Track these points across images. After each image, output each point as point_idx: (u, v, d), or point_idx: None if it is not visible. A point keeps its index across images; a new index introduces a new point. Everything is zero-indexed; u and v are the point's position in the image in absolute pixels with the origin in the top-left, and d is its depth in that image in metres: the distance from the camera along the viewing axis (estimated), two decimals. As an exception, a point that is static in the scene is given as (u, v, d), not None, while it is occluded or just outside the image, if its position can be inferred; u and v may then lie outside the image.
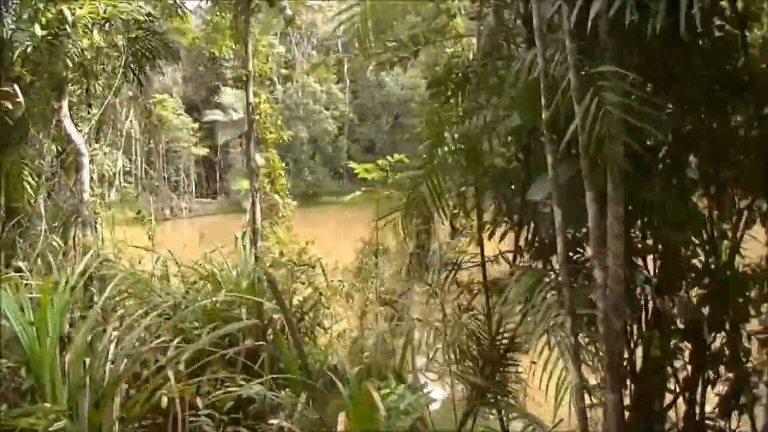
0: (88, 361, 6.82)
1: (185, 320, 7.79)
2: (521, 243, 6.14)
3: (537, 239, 5.95)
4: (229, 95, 48.16)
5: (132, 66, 10.38)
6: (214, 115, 47.88)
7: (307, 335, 9.22)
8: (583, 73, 3.95)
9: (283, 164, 13.72)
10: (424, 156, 6.00)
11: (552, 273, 5.01)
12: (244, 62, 9.88)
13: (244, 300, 7.95)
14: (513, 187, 5.77)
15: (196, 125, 46.78)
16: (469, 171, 5.91)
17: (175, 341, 7.08)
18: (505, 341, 6.24)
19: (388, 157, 10.33)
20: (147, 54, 10.72)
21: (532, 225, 5.76)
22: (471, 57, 6.74)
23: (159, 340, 7.31)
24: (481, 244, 6.59)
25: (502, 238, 6.52)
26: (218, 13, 13.46)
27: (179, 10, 12.10)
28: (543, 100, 4.08)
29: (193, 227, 40.03)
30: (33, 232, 9.41)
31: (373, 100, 53.59)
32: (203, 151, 47.14)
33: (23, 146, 9.10)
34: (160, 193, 40.61)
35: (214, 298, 7.64)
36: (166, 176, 46.05)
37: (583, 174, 3.97)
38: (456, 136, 5.57)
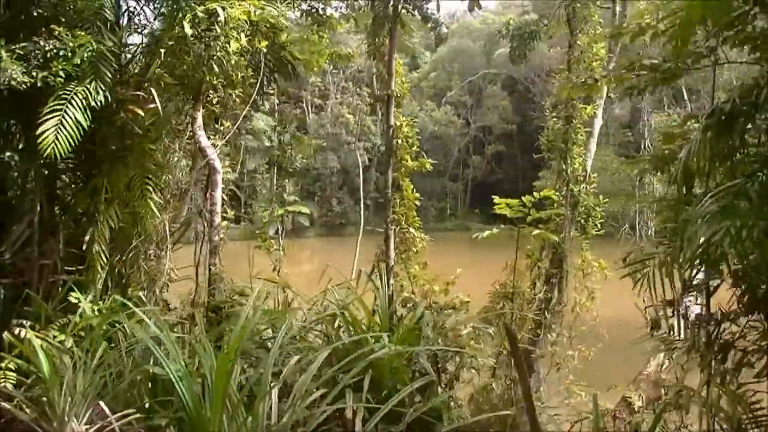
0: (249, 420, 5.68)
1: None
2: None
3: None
4: (260, 121, 47.43)
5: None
6: (245, 140, 47.03)
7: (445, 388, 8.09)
8: None
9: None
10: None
11: None
12: (386, 82, 8.97)
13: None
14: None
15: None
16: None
17: (351, 401, 5.95)
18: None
19: (535, 194, 9.39)
20: (269, 67, 9.78)
21: None
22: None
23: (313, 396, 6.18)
24: (708, 298, 5.72)
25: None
26: (314, 32, 12.62)
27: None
28: None
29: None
30: (142, 257, 8.32)
31: (404, 133, 52.89)
32: (231, 176, 46.21)
33: (146, 159, 8.01)
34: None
35: (387, 350, 6.46)
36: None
37: None
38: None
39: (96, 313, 7.04)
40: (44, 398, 5.88)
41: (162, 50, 7.40)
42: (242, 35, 7.69)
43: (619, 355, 12.08)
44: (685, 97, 18.64)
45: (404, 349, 6.69)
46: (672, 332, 5.88)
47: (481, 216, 57.39)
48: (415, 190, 9.65)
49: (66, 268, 8.62)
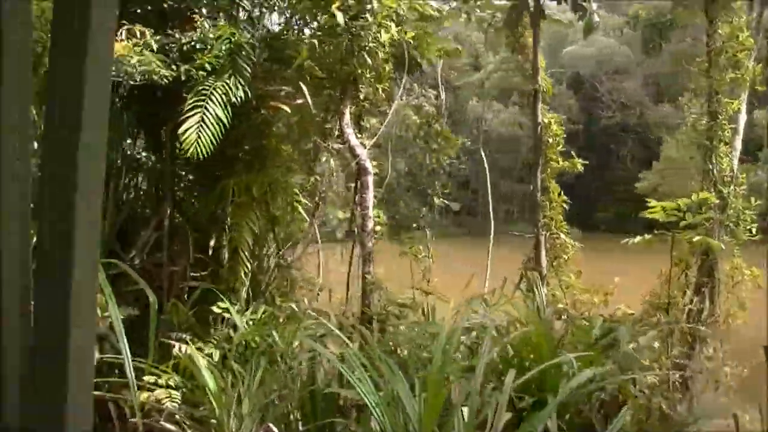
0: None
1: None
2: None
3: None
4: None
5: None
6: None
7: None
8: None
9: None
10: None
11: None
12: (533, 77, 8.23)
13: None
14: None
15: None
16: None
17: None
18: None
19: (693, 197, 8.56)
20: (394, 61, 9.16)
21: None
22: None
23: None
24: None
25: None
26: (420, 27, 12.00)
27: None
28: None
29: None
30: (284, 264, 7.77)
31: (471, 134, 51.93)
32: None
33: (288, 160, 7.47)
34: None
35: (591, 373, 5.68)
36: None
37: None
38: None
39: (245, 325, 6.50)
40: (212, 420, 5.35)
41: (314, 41, 6.84)
42: (392, 25, 7.09)
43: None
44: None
45: (629, 376, 5.96)
46: None
47: (548, 219, 56.03)
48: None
49: (192, 274, 8.23)
